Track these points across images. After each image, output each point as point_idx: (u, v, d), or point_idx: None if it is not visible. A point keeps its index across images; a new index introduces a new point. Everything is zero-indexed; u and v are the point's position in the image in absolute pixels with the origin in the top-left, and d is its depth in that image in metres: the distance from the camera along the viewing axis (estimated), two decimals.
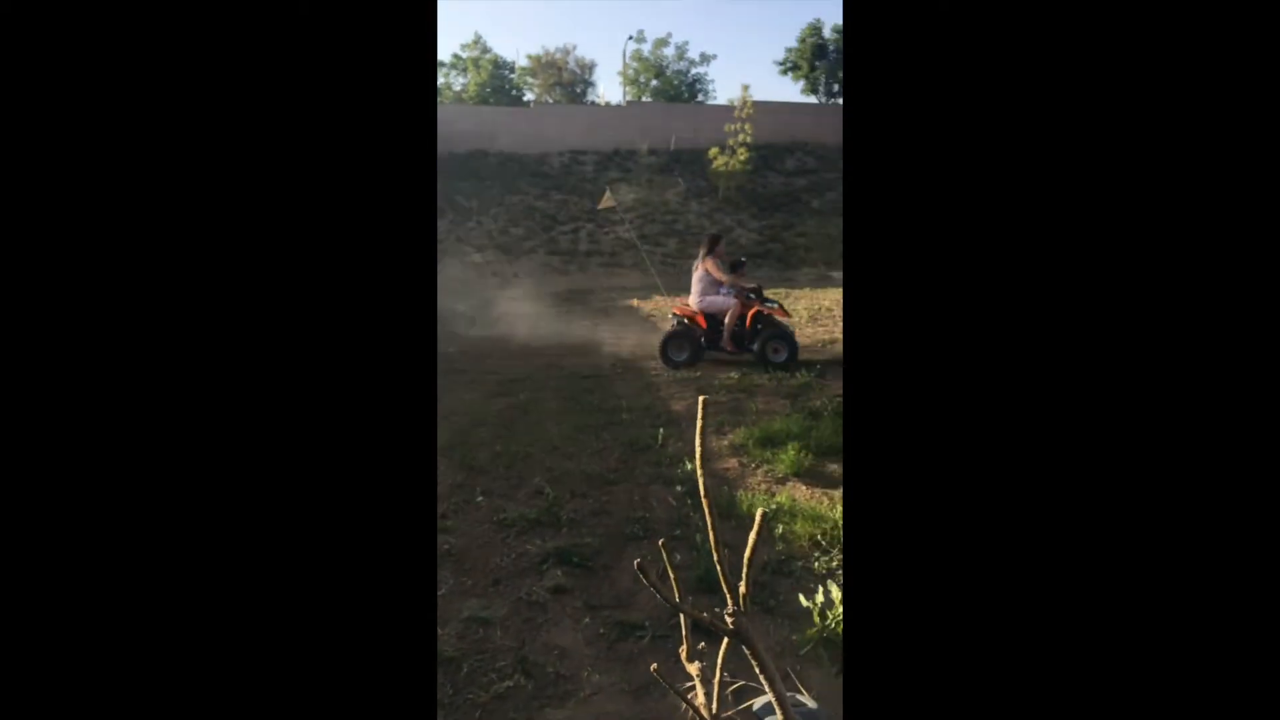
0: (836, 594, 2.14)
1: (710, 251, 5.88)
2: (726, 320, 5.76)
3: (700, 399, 0.92)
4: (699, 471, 0.93)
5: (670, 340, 5.86)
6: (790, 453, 3.55)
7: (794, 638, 2.14)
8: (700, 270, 5.89)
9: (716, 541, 0.97)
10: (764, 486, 3.34)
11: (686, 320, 5.95)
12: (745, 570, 0.94)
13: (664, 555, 1.11)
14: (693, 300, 5.95)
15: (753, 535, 0.91)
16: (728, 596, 0.98)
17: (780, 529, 2.80)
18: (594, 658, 2.12)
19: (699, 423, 0.92)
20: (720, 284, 5.87)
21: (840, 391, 4.98)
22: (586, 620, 2.29)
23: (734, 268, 6.05)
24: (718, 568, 0.98)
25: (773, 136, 19.01)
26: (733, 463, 3.66)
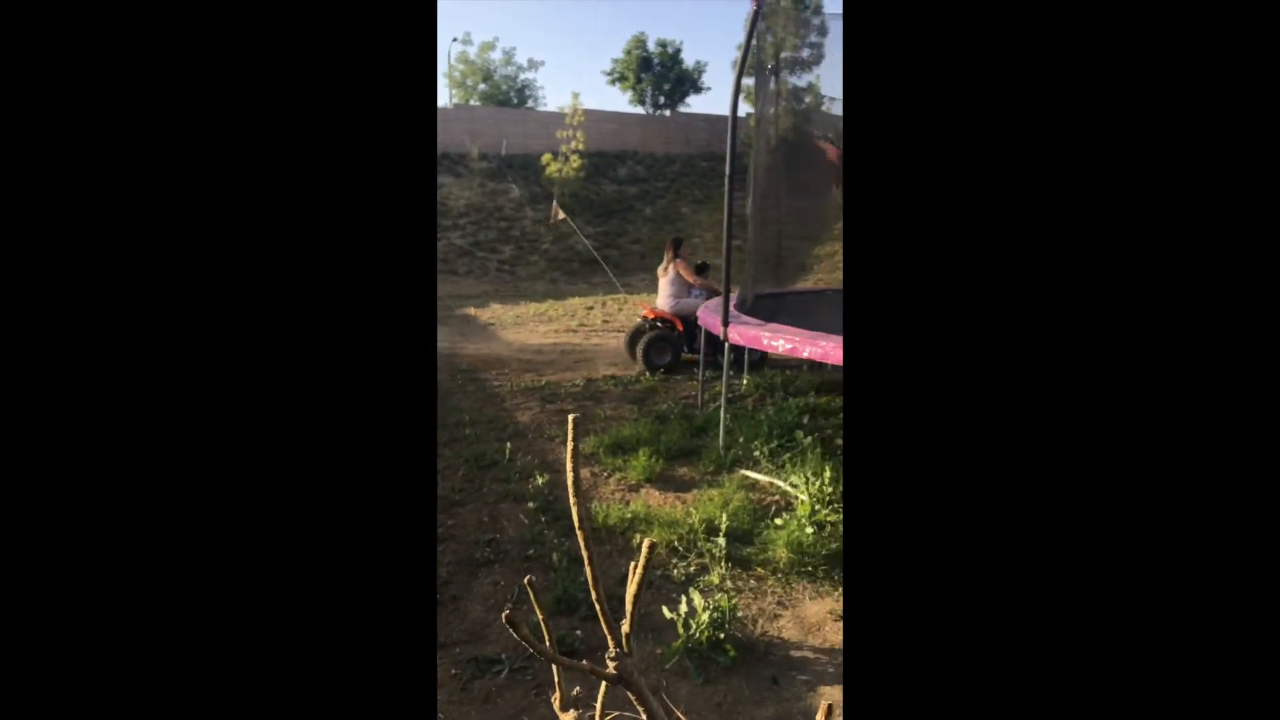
0: (699, 602, 2.11)
1: (677, 254, 5.95)
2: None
3: (570, 418, 0.81)
4: (574, 503, 0.81)
5: (652, 345, 5.79)
6: (641, 459, 3.53)
7: (658, 651, 2.09)
8: (671, 273, 5.92)
9: (595, 579, 0.86)
10: (618, 495, 3.28)
11: (660, 323, 5.91)
12: (630, 608, 0.84)
13: (531, 596, 0.99)
14: (663, 303, 5.94)
15: (638, 568, 0.81)
16: (609, 638, 0.88)
17: (637, 538, 2.75)
18: (447, 702, 1.92)
19: (569, 445, 0.81)
20: (691, 286, 5.93)
21: (686, 394, 5.07)
22: (437, 659, 2.08)
23: (700, 270, 6.13)
24: (597, 607, 0.87)
25: (603, 145, 19.26)
26: (585, 472, 3.57)
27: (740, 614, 2.26)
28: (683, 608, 2.10)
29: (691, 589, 2.23)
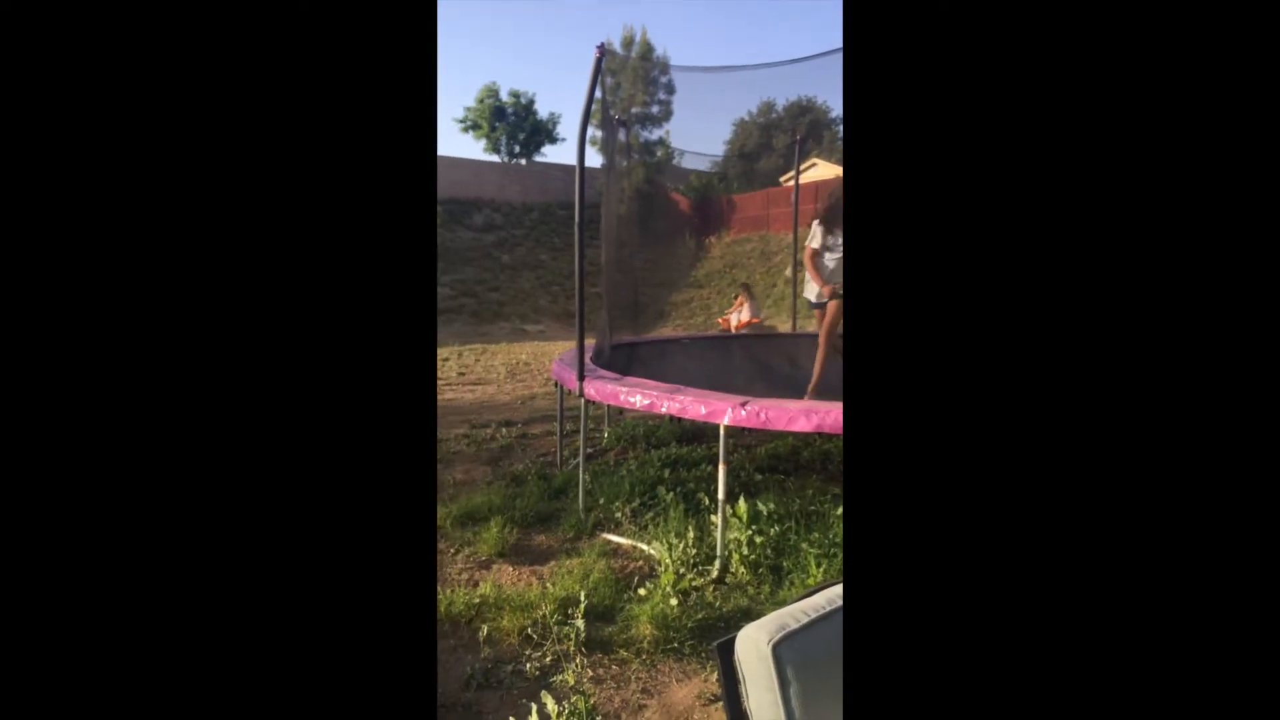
0: (552, 707, 1.84)
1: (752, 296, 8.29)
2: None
3: None
4: None
5: None
6: (493, 530, 3.21)
7: None
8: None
9: None
10: (465, 575, 2.93)
11: None
12: None
13: None
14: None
15: None
16: None
17: (485, 630, 2.43)
18: None
19: None
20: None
21: (545, 450, 4.80)
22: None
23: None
24: None
25: (457, 192, 18.83)
26: None
27: (600, 712, 2.00)
28: (533, 718, 1.82)
29: (545, 692, 1.95)
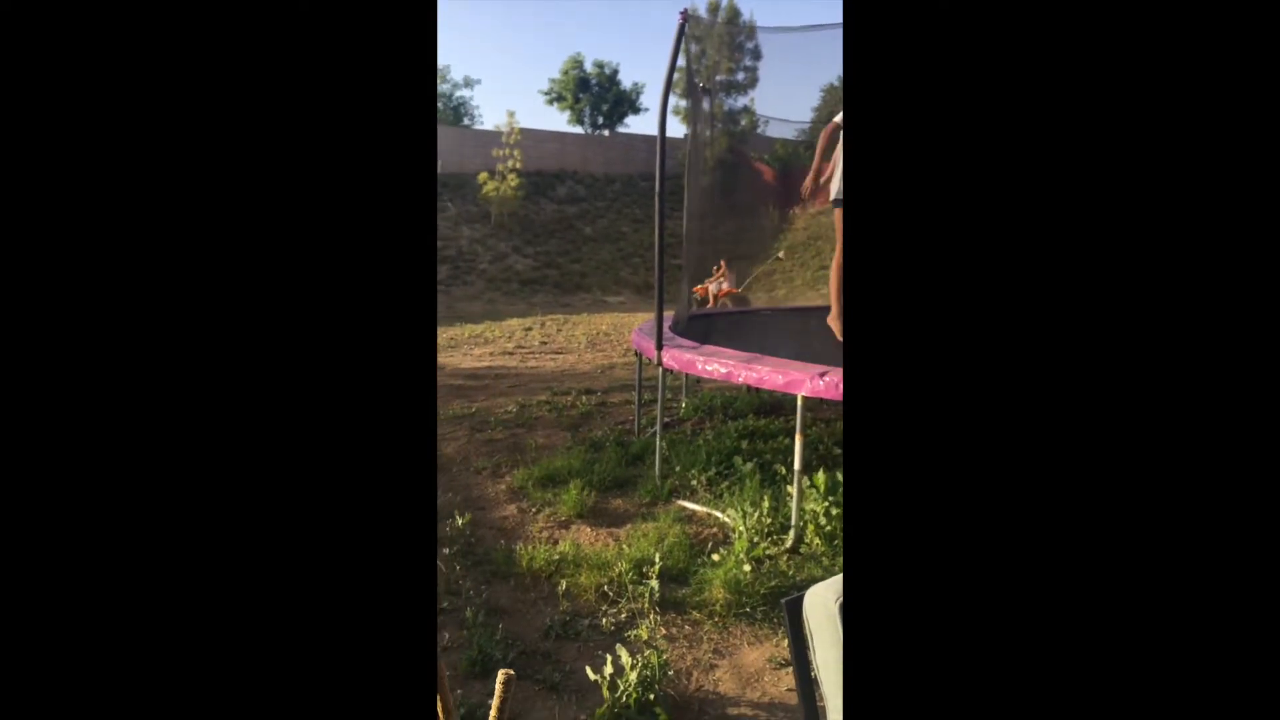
0: (626, 659, 1.92)
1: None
2: None
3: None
4: None
5: None
6: (572, 492, 3.32)
7: (581, 718, 1.88)
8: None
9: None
10: (546, 534, 3.06)
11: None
12: None
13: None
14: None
15: (496, 703, 0.62)
16: None
17: (564, 585, 2.54)
18: None
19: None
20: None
21: (623, 418, 4.89)
22: None
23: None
24: None
25: (542, 164, 19.08)
26: (511, 509, 3.33)
27: (673, 668, 2.07)
28: (608, 668, 1.90)
29: (619, 645, 2.03)
